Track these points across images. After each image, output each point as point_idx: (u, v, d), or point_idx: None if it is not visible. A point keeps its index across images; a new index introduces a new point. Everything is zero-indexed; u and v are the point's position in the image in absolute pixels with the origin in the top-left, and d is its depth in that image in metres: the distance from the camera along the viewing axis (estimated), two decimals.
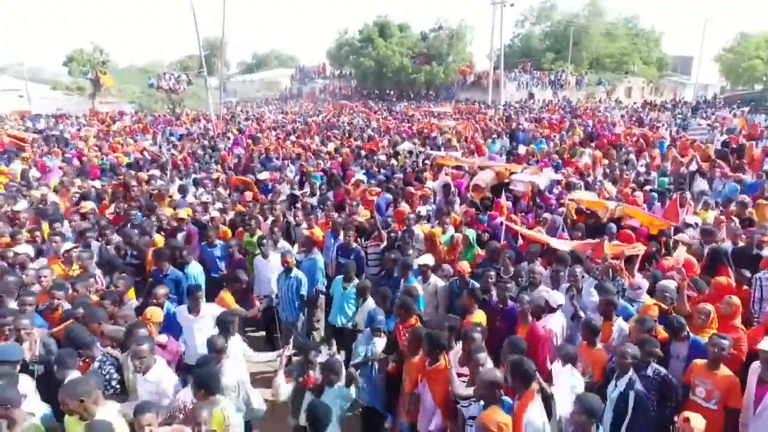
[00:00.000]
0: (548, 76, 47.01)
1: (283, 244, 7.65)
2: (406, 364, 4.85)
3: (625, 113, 29.76)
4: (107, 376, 4.23)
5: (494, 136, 18.99)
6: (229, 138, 19.24)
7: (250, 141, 18.35)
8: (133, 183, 10.67)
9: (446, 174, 10.95)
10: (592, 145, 17.73)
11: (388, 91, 49.19)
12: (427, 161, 12.73)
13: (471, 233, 7.31)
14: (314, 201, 9.80)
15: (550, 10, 56.12)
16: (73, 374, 4.01)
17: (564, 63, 51.66)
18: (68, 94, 35.16)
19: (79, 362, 4.21)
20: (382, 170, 12.77)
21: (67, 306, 5.33)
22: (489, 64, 51.67)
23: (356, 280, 6.57)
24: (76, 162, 14.04)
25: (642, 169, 12.22)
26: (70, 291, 5.51)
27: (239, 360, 4.75)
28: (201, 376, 3.87)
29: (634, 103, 37.35)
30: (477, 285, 5.85)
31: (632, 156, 14.24)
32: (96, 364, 4.33)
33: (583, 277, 5.70)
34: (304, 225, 8.26)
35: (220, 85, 24.79)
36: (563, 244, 6.57)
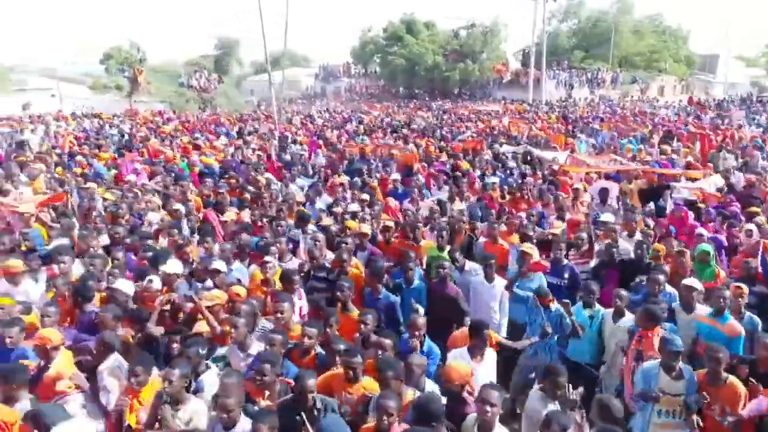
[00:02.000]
0: (585, 74, 46.01)
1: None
2: None
3: (680, 112, 28.88)
4: None
5: (579, 135, 18.04)
6: (296, 140, 18.22)
7: (320, 141, 17.39)
8: (252, 189, 9.70)
9: (602, 178, 9.99)
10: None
11: (416, 90, 48.20)
12: (553, 165, 11.69)
13: (708, 248, 6.33)
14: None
15: (578, 6, 55.18)
16: None
17: (594, 61, 50.83)
18: (102, 92, 34.22)
19: None
20: (496, 172, 11.85)
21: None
22: (517, 63, 51.07)
23: (599, 307, 5.62)
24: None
25: None
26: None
27: None
28: None
29: (680, 101, 36.36)
30: None
31: (758, 157, 13.29)
32: None
33: None
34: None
35: (282, 82, 23.64)
36: None
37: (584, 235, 6.75)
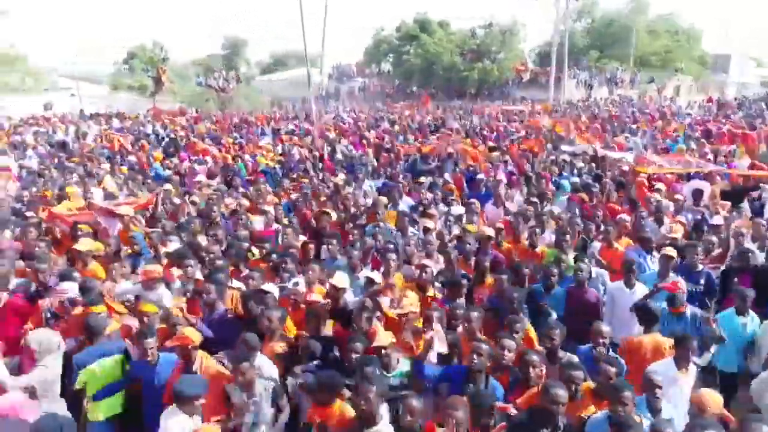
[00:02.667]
0: (604, 74, 45.85)
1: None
2: None
3: (708, 112, 28.67)
4: None
5: (626, 135, 17.79)
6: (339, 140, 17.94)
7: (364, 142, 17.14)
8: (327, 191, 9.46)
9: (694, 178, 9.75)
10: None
11: (432, 90, 47.85)
12: (622, 165, 11.40)
13: None
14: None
15: (592, 6, 54.95)
16: None
17: (609, 60, 50.64)
18: (121, 92, 33.95)
19: None
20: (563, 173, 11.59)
21: None
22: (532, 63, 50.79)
23: (752, 314, 5.39)
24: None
25: None
26: None
27: None
28: None
29: (703, 100, 36.16)
30: None
31: None
32: None
33: None
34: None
35: (320, 83, 23.27)
36: None
37: (715, 238, 6.51)
